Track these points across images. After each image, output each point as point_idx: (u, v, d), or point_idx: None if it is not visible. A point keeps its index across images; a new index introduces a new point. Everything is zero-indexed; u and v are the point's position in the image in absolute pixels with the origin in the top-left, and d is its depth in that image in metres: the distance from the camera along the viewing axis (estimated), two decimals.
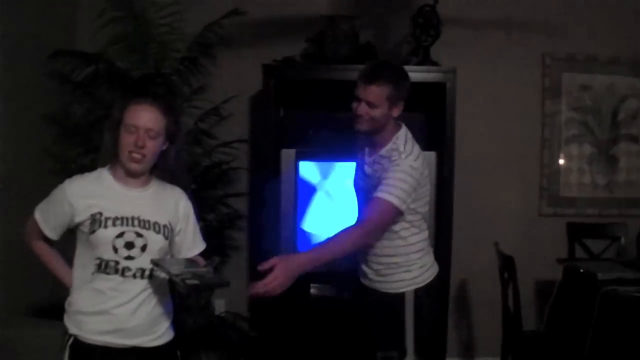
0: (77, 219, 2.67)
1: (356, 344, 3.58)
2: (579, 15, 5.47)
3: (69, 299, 2.76)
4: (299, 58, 4.94)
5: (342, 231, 3.08)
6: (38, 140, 4.43)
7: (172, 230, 2.81)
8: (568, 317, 4.45)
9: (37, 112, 4.39)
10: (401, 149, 3.22)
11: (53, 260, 2.88)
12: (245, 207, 5.15)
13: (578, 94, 5.57)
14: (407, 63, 4.85)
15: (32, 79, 4.34)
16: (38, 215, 2.77)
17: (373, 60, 3.45)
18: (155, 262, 2.65)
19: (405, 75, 3.30)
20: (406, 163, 3.17)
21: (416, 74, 4.58)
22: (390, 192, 3.10)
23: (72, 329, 2.70)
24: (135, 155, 2.68)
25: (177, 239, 2.86)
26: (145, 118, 2.69)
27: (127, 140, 2.67)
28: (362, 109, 3.19)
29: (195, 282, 2.51)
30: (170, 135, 2.79)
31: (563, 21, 5.45)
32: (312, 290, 4.62)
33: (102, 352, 2.66)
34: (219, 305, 5.05)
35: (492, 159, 5.41)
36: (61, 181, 2.76)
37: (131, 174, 2.75)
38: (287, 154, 4.56)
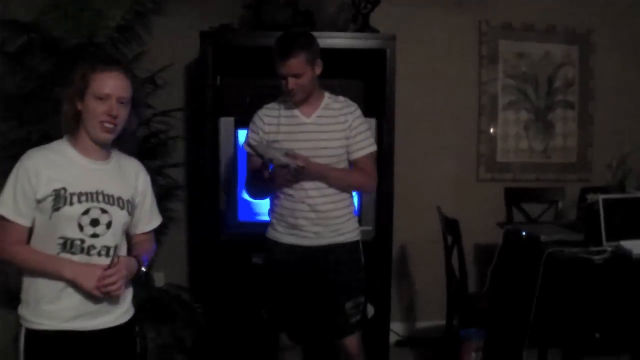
0: (39, 195, 2.54)
1: (306, 306, 3.60)
2: None
3: (26, 285, 2.62)
4: (237, 25, 4.85)
5: (352, 169, 3.55)
6: None
7: (133, 205, 2.75)
8: (511, 279, 4.52)
9: None
10: (349, 101, 3.57)
11: (42, 258, 2.58)
12: (183, 177, 5.07)
13: (514, 62, 5.64)
14: (346, 30, 4.83)
15: None
16: (6, 211, 2.56)
17: (280, 35, 3.52)
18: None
19: (309, 34, 3.54)
20: (360, 112, 3.58)
21: (355, 40, 4.60)
22: (372, 143, 3.59)
23: (30, 319, 2.58)
24: (108, 125, 2.59)
25: (135, 212, 2.79)
26: (116, 85, 2.59)
27: (98, 109, 2.57)
28: (292, 83, 3.39)
29: None
30: (134, 101, 2.69)
31: None
32: (254, 259, 4.58)
33: (64, 339, 2.57)
34: (159, 278, 4.98)
35: (430, 125, 5.44)
36: None
37: (100, 145, 2.65)
38: (226, 122, 4.49)
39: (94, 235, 2.58)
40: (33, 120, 4.30)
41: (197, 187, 4.83)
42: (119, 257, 2.60)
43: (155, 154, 4.75)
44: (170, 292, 4.78)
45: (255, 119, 3.62)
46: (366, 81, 4.91)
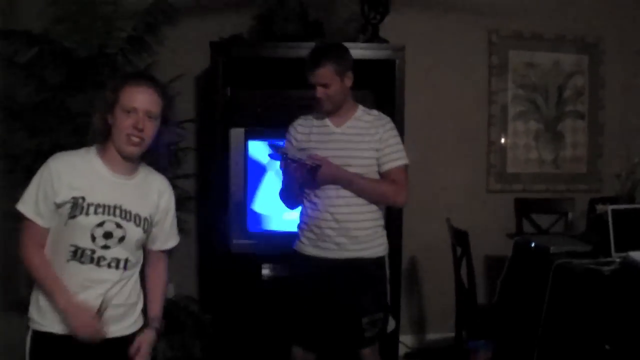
0: (58, 199, 2.57)
1: (324, 318, 3.59)
2: None
3: (37, 288, 2.65)
4: (247, 36, 4.87)
5: (381, 180, 3.55)
6: None
7: (151, 223, 2.76)
8: (521, 290, 4.50)
9: None
10: (382, 115, 3.65)
11: (49, 274, 2.61)
12: (194, 188, 5.08)
13: (524, 72, 5.63)
14: (356, 40, 4.84)
15: None
16: (26, 209, 2.61)
17: (314, 46, 3.61)
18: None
19: (342, 47, 3.61)
20: (393, 126, 3.61)
21: (365, 51, 4.59)
22: (403, 156, 3.59)
23: (38, 320, 2.61)
24: (134, 139, 2.61)
25: (154, 230, 2.81)
26: (144, 100, 2.62)
27: (125, 122, 2.60)
28: (320, 92, 3.44)
29: None
30: (165, 118, 2.72)
31: None
32: (264, 271, 4.59)
33: (70, 344, 2.58)
34: (169, 289, 4.97)
35: (441, 136, 5.44)
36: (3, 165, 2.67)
37: (127, 158, 2.66)
38: (236, 133, 4.50)
39: (105, 247, 2.61)
40: (45, 130, 4.31)
41: (207, 198, 4.82)
42: (107, 303, 2.63)
43: (168, 162, 4.75)
44: (180, 303, 4.79)
45: (290, 128, 3.70)
46: (376, 91, 4.89)
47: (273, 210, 4.52)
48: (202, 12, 5.01)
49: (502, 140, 5.60)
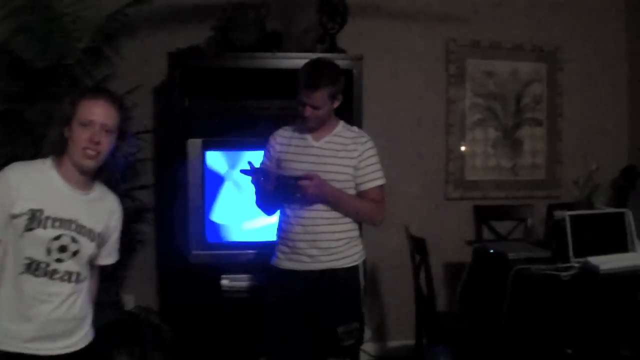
0: (15, 210, 2.54)
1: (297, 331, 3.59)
2: (484, 1, 5.60)
3: None
4: (205, 46, 4.85)
5: (363, 199, 3.57)
6: None
7: (103, 239, 2.76)
8: (480, 296, 4.54)
9: None
10: (363, 132, 3.69)
11: None
12: (152, 199, 5.06)
13: (482, 80, 5.68)
14: (314, 51, 4.84)
15: None
16: None
17: (310, 62, 3.57)
18: None
19: (340, 70, 3.59)
20: (373, 144, 3.62)
21: None
22: (382, 176, 3.60)
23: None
24: (90, 152, 2.59)
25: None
26: (101, 113, 2.61)
27: (82, 136, 2.59)
28: (308, 112, 3.45)
29: None
30: (121, 131, 2.72)
31: (467, 8, 5.56)
32: (223, 282, 4.57)
33: None
34: (128, 300, 4.96)
35: (399, 144, 5.45)
36: None
37: (82, 171, 2.65)
38: (194, 144, 4.46)
39: (59, 260, 2.59)
40: (5, 142, 4.27)
41: (166, 209, 4.80)
42: None
43: (123, 176, 4.73)
44: (140, 314, 4.76)
45: (270, 137, 3.71)
46: None
47: (232, 221, 4.51)
48: (159, 23, 5.01)
49: (461, 148, 5.64)
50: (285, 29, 5.03)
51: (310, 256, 3.51)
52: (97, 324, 2.87)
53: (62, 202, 2.62)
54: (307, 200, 3.45)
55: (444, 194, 5.63)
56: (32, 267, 2.55)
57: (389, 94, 5.39)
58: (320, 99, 3.43)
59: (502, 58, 5.71)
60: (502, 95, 5.71)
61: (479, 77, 5.67)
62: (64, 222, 2.59)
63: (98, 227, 2.71)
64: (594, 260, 4.08)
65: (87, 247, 2.66)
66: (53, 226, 2.56)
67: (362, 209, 3.59)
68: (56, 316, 2.61)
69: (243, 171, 3.46)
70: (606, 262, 4.08)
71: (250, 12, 4.73)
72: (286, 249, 3.57)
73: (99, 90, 2.78)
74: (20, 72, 4.41)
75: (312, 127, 3.53)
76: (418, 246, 4.47)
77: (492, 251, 4.58)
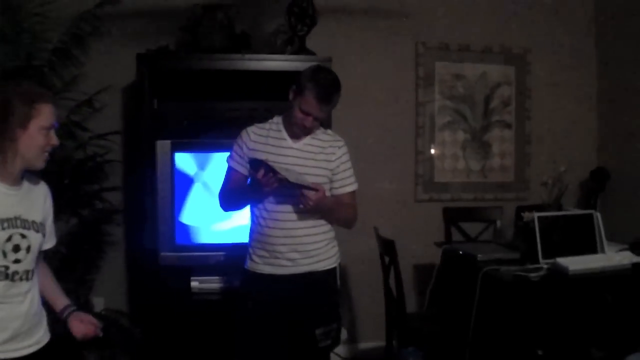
0: None
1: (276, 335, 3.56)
2: (451, 4, 5.64)
3: None
4: (174, 47, 4.83)
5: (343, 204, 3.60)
6: None
7: (45, 226, 2.74)
8: (450, 298, 4.56)
9: None
10: (337, 136, 3.69)
11: None
12: (121, 201, 5.03)
13: (451, 83, 5.72)
14: (283, 52, 4.86)
15: None
16: None
17: (329, 76, 3.50)
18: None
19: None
20: (347, 149, 3.65)
21: (292, 63, 4.60)
22: (355, 181, 3.66)
23: None
24: (48, 154, 2.62)
25: None
26: (55, 116, 2.62)
27: (45, 140, 2.58)
28: (310, 122, 3.42)
29: None
30: None
31: (436, 11, 5.60)
32: (193, 284, 4.55)
33: None
34: (98, 303, 4.93)
35: (368, 146, 5.46)
36: None
37: (32, 171, 2.67)
38: (162, 145, 4.43)
39: (16, 261, 2.57)
40: None
41: (135, 211, 4.78)
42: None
43: (92, 177, 4.72)
44: (110, 317, 4.73)
45: (243, 133, 3.62)
46: None
47: (202, 222, 4.49)
48: (128, 24, 4.98)
49: (430, 151, 5.67)
50: (254, 30, 5.02)
51: (291, 259, 3.48)
52: (66, 327, 2.85)
53: (2, 202, 2.58)
54: (281, 203, 3.44)
55: (413, 195, 5.65)
56: None
57: (358, 96, 5.39)
58: (328, 112, 3.53)
59: (471, 61, 5.74)
60: (470, 97, 5.74)
61: (448, 80, 5.70)
62: (10, 221, 2.56)
63: (38, 217, 2.70)
64: (563, 261, 4.11)
65: (36, 239, 2.65)
66: (2, 228, 2.53)
67: (348, 216, 3.65)
68: (22, 315, 2.60)
69: (252, 161, 3.37)
70: (575, 263, 4.11)
71: (219, 14, 4.72)
72: (264, 253, 3.52)
73: (48, 93, 2.72)
74: None
75: (301, 136, 3.51)
76: (387, 248, 4.47)
77: (461, 252, 4.59)
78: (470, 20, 5.68)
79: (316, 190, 3.31)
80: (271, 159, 3.41)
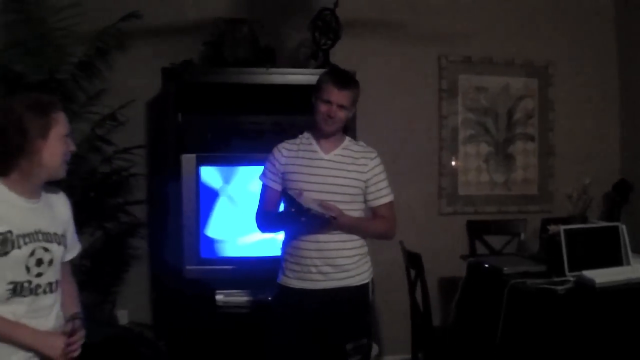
0: None
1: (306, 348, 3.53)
2: (475, 18, 5.64)
3: None
4: (198, 61, 4.84)
5: (374, 218, 3.64)
6: None
7: (66, 237, 2.73)
8: (476, 311, 4.52)
9: None
10: (370, 147, 3.68)
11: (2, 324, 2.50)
12: (146, 214, 5.03)
13: (474, 95, 5.70)
14: (306, 66, 4.86)
15: None
16: None
17: (334, 67, 3.74)
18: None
19: None
20: (380, 160, 3.65)
21: (315, 77, 4.57)
22: (390, 192, 3.67)
23: None
24: (66, 164, 2.64)
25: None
26: (67, 122, 2.64)
27: (65, 147, 2.59)
28: (335, 111, 3.45)
29: None
30: None
31: (459, 24, 5.60)
32: (218, 297, 4.54)
33: None
34: (122, 316, 4.94)
35: (392, 160, 5.37)
36: None
37: (36, 183, 2.63)
38: (188, 159, 4.45)
39: (39, 275, 2.56)
40: None
41: (159, 224, 4.79)
42: (76, 321, 2.65)
43: (116, 191, 4.73)
44: (134, 330, 4.74)
45: (274, 150, 3.63)
46: None
47: (227, 236, 4.49)
48: (152, 38, 4.99)
49: (453, 163, 5.66)
50: (278, 44, 5.03)
51: (324, 274, 3.47)
52: (92, 339, 2.84)
53: (24, 217, 2.56)
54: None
55: (437, 209, 5.64)
56: (17, 290, 2.50)
57: (382, 109, 5.39)
58: (348, 99, 3.48)
59: (494, 73, 5.73)
60: (493, 110, 5.73)
61: (471, 93, 5.69)
62: (32, 236, 2.54)
63: (59, 229, 2.69)
64: (589, 274, 4.08)
65: (57, 251, 2.64)
66: (25, 243, 2.51)
67: (378, 231, 3.66)
68: (49, 329, 2.59)
69: (286, 198, 3.43)
70: (601, 276, 4.08)
71: (243, 28, 4.73)
72: (297, 267, 3.50)
73: (55, 99, 2.69)
74: (13, 85, 4.39)
75: (331, 130, 3.51)
76: (413, 261, 4.45)
77: (486, 266, 4.57)
78: (492, 33, 5.68)
79: (334, 215, 3.32)
80: (304, 171, 3.46)
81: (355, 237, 3.54)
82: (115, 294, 4.87)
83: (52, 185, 2.76)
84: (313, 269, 3.46)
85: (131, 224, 4.78)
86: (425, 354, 4.70)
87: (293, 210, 3.33)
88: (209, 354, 4.43)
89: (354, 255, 3.54)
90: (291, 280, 3.53)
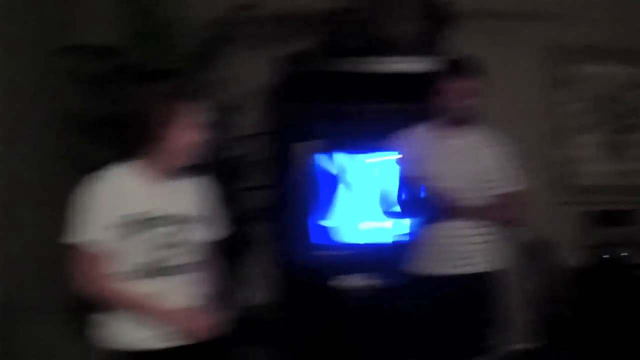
0: (118, 218, 2.54)
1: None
2: (591, 4, 5.52)
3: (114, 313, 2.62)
4: (316, 51, 4.88)
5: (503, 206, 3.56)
6: (39, 140, 4.34)
7: (200, 218, 2.78)
8: (598, 301, 4.46)
9: (39, 110, 4.34)
10: (500, 134, 3.73)
11: (135, 296, 2.59)
12: (267, 200, 5.06)
13: (588, 84, 5.60)
14: (420, 54, 4.84)
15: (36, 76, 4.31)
16: (82, 237, 2.55)
17: (458, 56, 3.79)
18: None
19: None
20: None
21: (428, 65, 4.59)
22: (519, 181, 3.62)
23: (129, 341, 2.60)
24: (199, 151, 2.69)
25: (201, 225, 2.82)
26: (201, 112, 2.71)
27: (197, 136, 2.65)
28: (465, 99, 3.53)
29: None
30: None
31: (574, 10, 5.48)
32: (337, 282, 4.56)
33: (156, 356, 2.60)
34: (246, 299, 4.98)
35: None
36: (72, 179, 2.68)
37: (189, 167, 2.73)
38: (304, 146, 4.53)
39: (170, 257, 2.62)
40: (111, 144, 4.35)
41: (278, 211, 4.81)
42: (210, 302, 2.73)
43: (237, 177, 4.79)
44: (258, 312, 4.80)
45: (403, 140, 3.73)
46: None
47: (345, 223, 4.54)
48: (268, 28, 5.07)
49: (567, 154, 5.58)
50: (392, 33, 5.02)
51: (463, 258, 3.50)
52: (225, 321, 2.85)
53: (159, 198, 2.63)
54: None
55: (553, 199, 5.54)
56: (147, 271, 2.58)
57: (494, 100, 5.31)
58: (476, 86, 3.54)
59: (608, 61, 5.63)
60: (606, 99, 5.63)
61: (584, 81, 5.60)
62: (167, 218, 2.61)
63: (193, 210, 2.72)
64: None
65: (191, 233, 2.68)
66: (160, 225, 2.59)
67: (505, 218, 3.61)
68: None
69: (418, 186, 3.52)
70: None
71: (358, 17, 4.77)
72: (426, 254, 3.56)
73: (189, 90, 2.81)
74: (131, 75, 4.48)
75: (459, 116, 3.56)
76: (533, 252, 4.42)
77: (606, 256, 4.50)
78: (608, 20, 5.55)
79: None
80: (438, 157, 3.50)
81: (484, 224, 3.54)
82: (240, 276, 4.93)
83: (192, 169, 2.80)
84: (449, 255, 3.49)
85: (254, 209, 4.83)
86: (550, 343, 4.66)
87: (423, 198, 3.39)
88: (330, 335, 4.50)
89: (482, 242, 3.55)
90: (419, 267, 3.57)
